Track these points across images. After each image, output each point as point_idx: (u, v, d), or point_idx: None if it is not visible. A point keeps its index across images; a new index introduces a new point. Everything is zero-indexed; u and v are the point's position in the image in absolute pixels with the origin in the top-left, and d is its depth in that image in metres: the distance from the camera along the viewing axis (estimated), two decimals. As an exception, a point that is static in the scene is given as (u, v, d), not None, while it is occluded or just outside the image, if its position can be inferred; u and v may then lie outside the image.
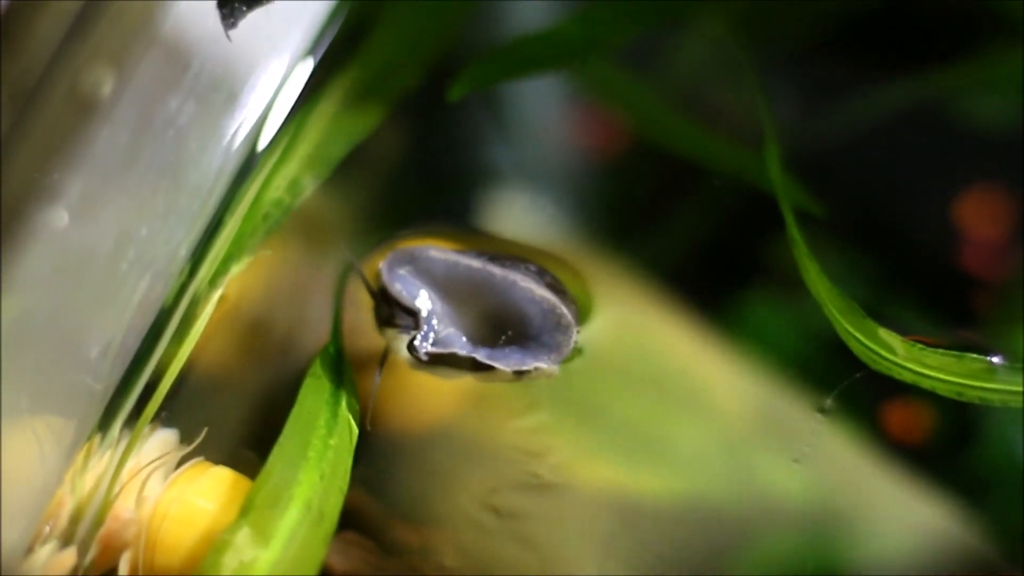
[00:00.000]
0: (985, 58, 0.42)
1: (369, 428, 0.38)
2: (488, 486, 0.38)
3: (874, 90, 0.41)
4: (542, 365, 0.38)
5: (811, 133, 0.42)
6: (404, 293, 0.38)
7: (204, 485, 0.37)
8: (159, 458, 0.38)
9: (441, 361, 0.38)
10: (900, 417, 0.38)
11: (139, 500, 0.37)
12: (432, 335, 0.38)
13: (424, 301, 0.39)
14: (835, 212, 0.40)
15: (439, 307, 0.39)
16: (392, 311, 0.39)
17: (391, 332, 0.39)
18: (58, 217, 0.34)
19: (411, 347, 0.38)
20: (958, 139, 0.41)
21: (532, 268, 0.39)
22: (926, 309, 0.39)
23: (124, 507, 0.37)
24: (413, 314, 0.38)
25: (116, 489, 0.37)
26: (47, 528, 0.37)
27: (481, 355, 0.38)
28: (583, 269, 0.40)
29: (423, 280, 0.39)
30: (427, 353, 0.38)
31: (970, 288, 0.40)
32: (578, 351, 0.39)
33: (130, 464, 0.38)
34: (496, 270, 0.38)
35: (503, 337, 0.39)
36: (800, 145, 0.41)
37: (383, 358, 0.39)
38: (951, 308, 0.39)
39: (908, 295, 0.40)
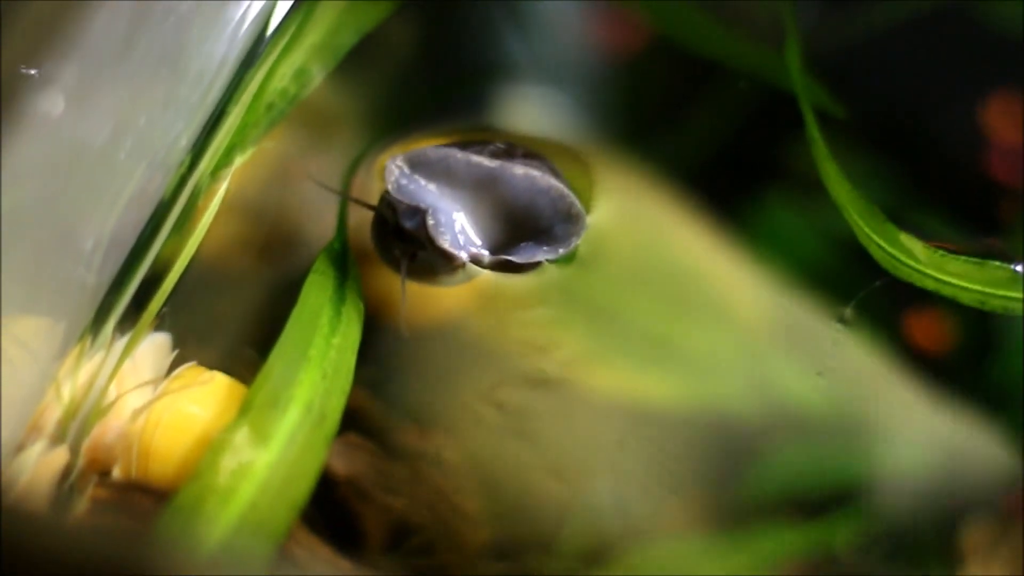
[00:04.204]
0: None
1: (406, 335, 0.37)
2: (492, 381, 0.37)
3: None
4: (553, 257, 0.37)
5: (835, 34, 0.41)
6: (415, 198, 0.37)
7: (198, 391, 0.36)
8: (152, 380, 0.37)
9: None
10: (923, 326, 0.37)
11: (132, 413, 0.36)
12: (451, 238, 0.37)
13: (436, 204, 0.37)
14: (858, 115, 0.39)
15: (450, 208, 0.38)
16: (400, 220, 0.37)
17: (400, 245, 0.37)
18: (53, 104, 0.33)
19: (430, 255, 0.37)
20: (984, 42, 0.40)
21: (538, 160, 0.38)
22: (949, 215, 0.38)
23: (116, 417, 0.36)
24: (422, 217, 0.37)
25: (109, 393, 0.36)
26: (38, 428, 0.36)
27: (496, 254, 0.37)
28: (597, 167, 0.39)
29: (432, 182, 0.37)
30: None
31: (995, 195, 0.39)
32: (585, 246, 0.38)
33: (125, 366, 0.37)
34: (503, 164, 0.37)
35: (514, 231, 0.37)
36: (823, 47, 0.40)
37: (403, 271, 0.37)
38: (975, 215, 0.39)
39: (931, 201, 0.39)
